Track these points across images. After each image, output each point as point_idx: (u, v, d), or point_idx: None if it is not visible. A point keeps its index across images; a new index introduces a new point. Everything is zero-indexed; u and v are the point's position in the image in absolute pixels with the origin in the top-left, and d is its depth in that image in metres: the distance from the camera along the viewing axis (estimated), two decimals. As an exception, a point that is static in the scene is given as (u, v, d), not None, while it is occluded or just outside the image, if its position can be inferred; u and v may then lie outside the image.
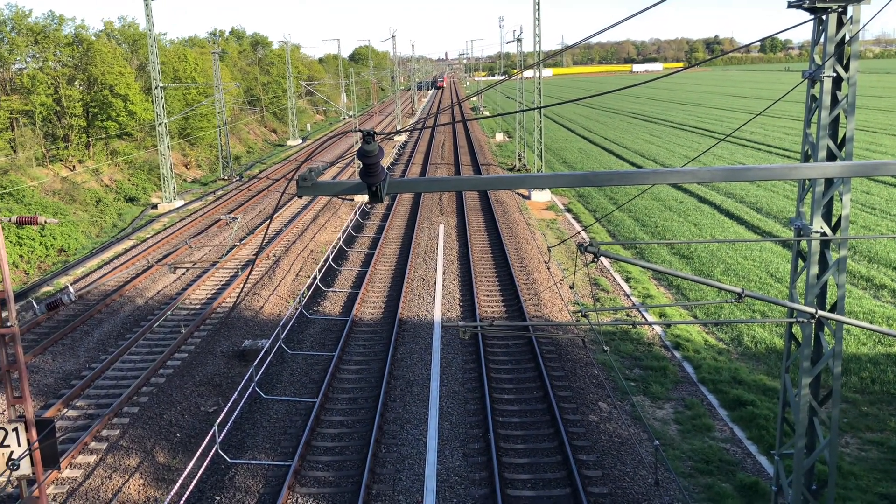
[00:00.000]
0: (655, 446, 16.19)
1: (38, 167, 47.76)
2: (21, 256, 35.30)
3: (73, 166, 51.46)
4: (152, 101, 51.92)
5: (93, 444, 17.94)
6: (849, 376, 20.06)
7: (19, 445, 12.76)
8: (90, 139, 54.56)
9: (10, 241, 35.04)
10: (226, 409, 18.49)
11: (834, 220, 11.58)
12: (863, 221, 36.90)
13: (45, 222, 12.93)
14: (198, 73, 69.71)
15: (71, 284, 31.03)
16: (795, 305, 8.38)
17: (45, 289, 31.84)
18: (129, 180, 54.15)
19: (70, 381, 21.90)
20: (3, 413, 19.83)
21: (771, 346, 22.63)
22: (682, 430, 17.72)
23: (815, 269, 11.46)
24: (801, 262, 12.00)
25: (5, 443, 12.80)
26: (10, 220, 12.67)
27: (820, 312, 8.48)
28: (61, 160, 51.45)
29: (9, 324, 12.71)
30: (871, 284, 27.83)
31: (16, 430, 12.73)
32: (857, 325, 7.93)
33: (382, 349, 22.92)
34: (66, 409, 17.44)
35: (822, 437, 11.80)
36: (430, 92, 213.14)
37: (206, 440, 16.88)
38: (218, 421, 17.33)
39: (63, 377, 22.11)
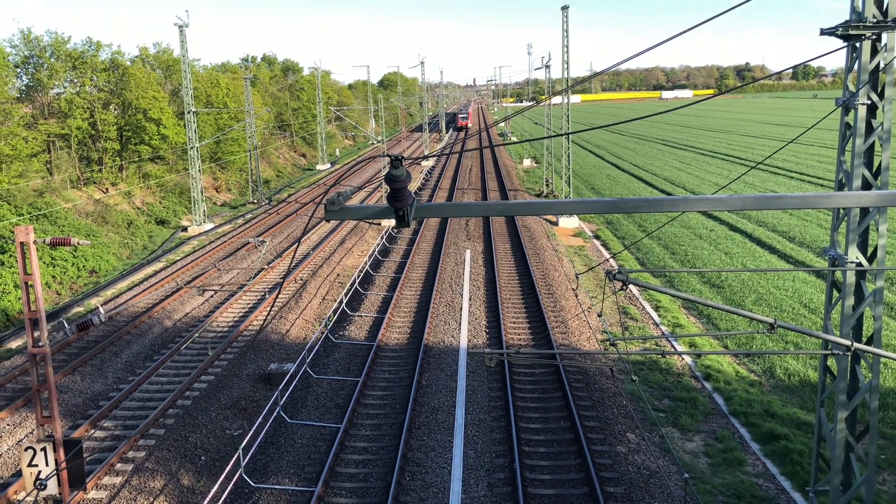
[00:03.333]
0: (685, 479, 15.83)
1: (72, 189, 48.73)
2: (54, 277, 35.89)
3: (107, 189, 52.41)
4: (185, 126, 52.85)
5: (119, 466, 18.01)
6: (886, 411, 19.51)
7: (47, 465, 12.85)
8: (123, 162, 55.60)
9: (44, 262, 35.67)
10: (251, 433, 18.47)
11: (870, 250, 11.34)
12: (898, 251, 36.15)
13: (78, 244, 13.12)
14: (230, 98, 70.88)
15: (101, 305, 31.41)
16: (830, 337, 8.17)
17: (76, 309, 32.28)
18: (160, 203, 54.99)
19: (98, 401, 22.07)
20: (32, 432, 20.00)
21: (805, 378, 22.13)
22: (713, 464, 17.33)
23: (850, 301, 11.21)
24: (835, 293, 11.74)
25: (33, 462, 12.89)
26: (44, 241, 12.87)
27: (856, 345, 8.26)
28: (95, 183, 52.45)
29: (40, 344, 12.86)
30: (907, 316, 27.17)
31: (44, 449, 12.83)
32: (894, 359, 7.70)
33: (407, 375, 22.81)
34: (93, 430, 17.57)
35: (858, 474, 11.44)
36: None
37: (231, 464, 16.86)
38: (242, 445, 17.30)
39: (91, 397, 22.30)
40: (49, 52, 51.32)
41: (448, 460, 17.49)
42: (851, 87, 11.09)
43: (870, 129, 11.06)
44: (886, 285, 30.82)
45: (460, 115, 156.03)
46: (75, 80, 53.48)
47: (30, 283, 12.66)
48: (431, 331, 26.75)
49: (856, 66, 10.95)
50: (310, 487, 16.43)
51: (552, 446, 18.10)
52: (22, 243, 12.51)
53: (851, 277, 11.19)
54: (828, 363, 12.02)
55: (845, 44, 10.90)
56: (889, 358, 7.79)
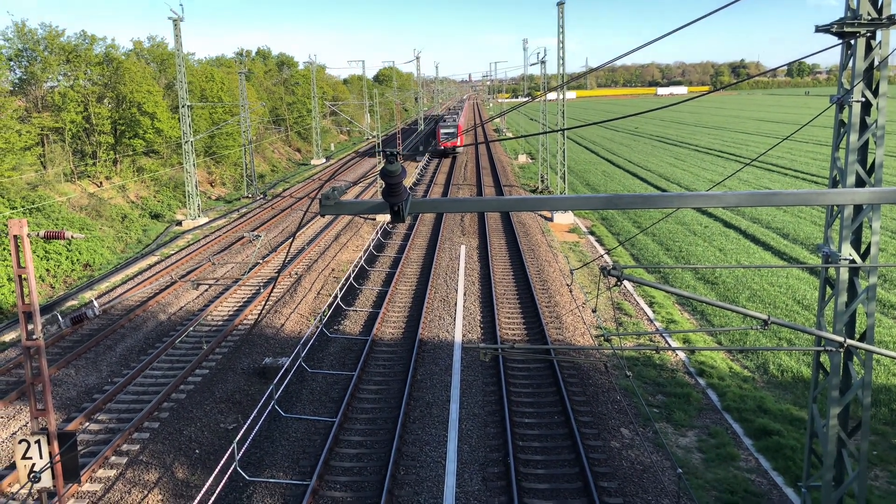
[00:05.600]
0: (678, 475, 15.91)
1: (66, 183, 48.55)
2: (48, 270, 35.78)
3: (101, 182, 52.23)
4: (179, 120, 52.68)
5: (113, 459, 18.01)
6: (878, 407, 19.63)
7: (41, 458, 12.84)
8: (117, 156, 55.40)
9: (38, 256, 35.55)
10: (245, 427, 18.49)
11: (863, 247, 11.40)
12: (893, 249, 36.32)
13: (72, 237, 13.08)
14: (224, 93, 70.66)
15: (95, 299, 31.35)
16: (823, 334, 8.22)
17: (71, 303, 32.20)
18: (154, 197, 54.85)
19: (92, 394, 22.05)
20: (26, 425, 19.98)
21: (798, 374, 22.24)
22: (706, 459, 17.42)
23: (843, 297, 11.26)
24: (829, 290, 11.80)
25: (28, 455, 12.88)
26: (37, 235, 12.84)
27: (849, 341, 8.31)
28: (89, 176, 52.26)
29: (34, 336, 12.84)
30: (900, 313, 27.31)
31: (38, 442, 12.82)
32: (887, 355, 7.76)
33: (402, 370, 22.84)
34: (87, 423, 17.55)
35: (850, 470, 11.52)
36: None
37: (225, 457, 16.87)
38: (237, 438, 17.31)
39: (85, 391, 22.27)
40: (43, 45, 51.04)
41: (443, 454, 17.54)
42: (846, 85, 11.13)
43: (864, 127, 11.11)
44: (879, 282, 30.97)
45: (442, 129, 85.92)
46: (69, 74, 53.22)
47: (23, 276, 12.63)
48: (426, 325, 26.78)
49: (850, 64, 10.99)
50: (304, 481, 16.46)
51: (546, 441, 18.17)
52: (15, 236, 12.48)
53: (845, 274, 11.24)
54: (821, 359, 12.08)
55: (840, 41, 10.93)
56: (881, 354, 7.84)
